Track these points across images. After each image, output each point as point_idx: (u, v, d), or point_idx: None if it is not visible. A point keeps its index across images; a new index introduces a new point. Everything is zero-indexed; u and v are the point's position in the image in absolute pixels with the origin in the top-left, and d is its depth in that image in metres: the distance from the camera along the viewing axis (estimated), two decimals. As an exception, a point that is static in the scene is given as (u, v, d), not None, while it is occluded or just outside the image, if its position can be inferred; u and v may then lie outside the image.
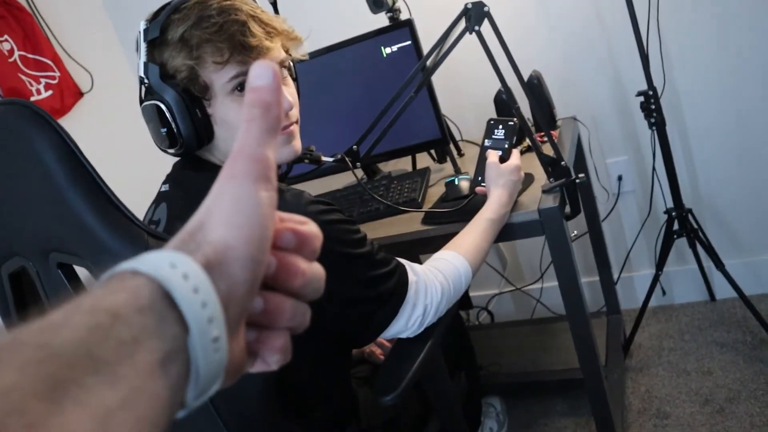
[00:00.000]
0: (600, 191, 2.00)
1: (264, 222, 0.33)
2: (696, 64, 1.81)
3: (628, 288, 2.14)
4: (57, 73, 2.09)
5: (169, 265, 0.30)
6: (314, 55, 1.64)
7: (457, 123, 1.90)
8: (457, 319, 1.48)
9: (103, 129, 2.19)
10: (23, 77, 2.00)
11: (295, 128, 0.99)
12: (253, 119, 0.35)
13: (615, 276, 2.02)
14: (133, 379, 0.27)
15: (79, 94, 2.16)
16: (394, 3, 1.58)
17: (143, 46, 0.90)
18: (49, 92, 2.06)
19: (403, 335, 1.03)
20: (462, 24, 1.22)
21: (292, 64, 1.04)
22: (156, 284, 0.29)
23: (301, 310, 0.36)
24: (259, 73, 0.35)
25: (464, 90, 1.99)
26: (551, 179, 1.29)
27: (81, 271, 0.81)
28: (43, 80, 2.06)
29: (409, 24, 1.54)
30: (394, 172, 1.75)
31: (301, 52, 1.03)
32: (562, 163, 1.27)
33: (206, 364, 0.30)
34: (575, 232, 1.34)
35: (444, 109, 1.70)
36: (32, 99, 2.00)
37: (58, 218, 0.76)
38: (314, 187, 1.83)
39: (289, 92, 0.97)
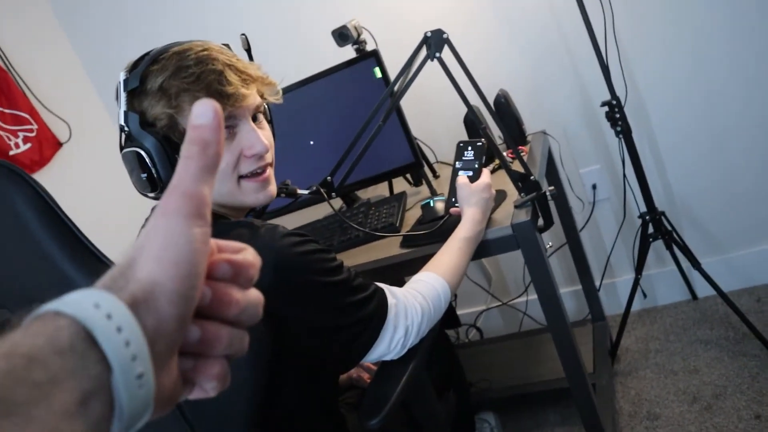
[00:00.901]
0: (575, 201, 2.05)
1: (194, 258, 0.34)
2: (656, 69, 1.87)
3: (612, 294, 2.18)
4: (34, 126, 2.12)
5: (93, 305, 0.31)
6: (287, 90, 1.69)
7: (431, 146, 1.95)
8: (442, 339, 1.51)
9: (84, 177, 2.21)
10: (1, 133, 2.02)
11: (270, 172, 1.03)
12: (190, 156, 0.36)
13: (597, 283, 2.06)
14: (47, 421, 0.27)
15: (58, 145, 2.18)
16: (359, 35, 1.63)
17: (123, 95, 0.93)
18: (28, 145, 2.08)
19: (387, 358, 1.05)
20: (424, 51, 1.27)
21: (267, 107, 1.08)
22: (78, 325, 0.30)
23: (238, 337, 0.37)
24: (201, 112, 0.36)
25: (435, 113, 2.04)
26: (522, 194, 1.33)
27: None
28: (21, 134, 2.08)
29: (374, 54, 1.59)
30: (372, 199, 1.79)
31: (276, 96, 1.07)
32: (531, 177, 1.31)
33: (130, 401, 0.31)
34: (551, 244, 1.38)
35: (417, 133, 1.75)
36: (11, 153, 2.02)
37: (38, 269, 0.78)
38: (294, 220, 1.86)
39: (265, 135, 1.01)
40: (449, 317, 2.19)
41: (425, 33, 1.24)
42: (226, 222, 0.96)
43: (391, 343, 1.02)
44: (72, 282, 0.76)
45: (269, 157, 1.01)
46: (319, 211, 1.86)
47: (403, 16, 1.94)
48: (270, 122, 1.08)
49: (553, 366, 1.82)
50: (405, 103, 1.65)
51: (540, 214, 1.34)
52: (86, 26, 2.26)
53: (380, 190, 1.92)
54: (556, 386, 1.75)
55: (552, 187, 1.32)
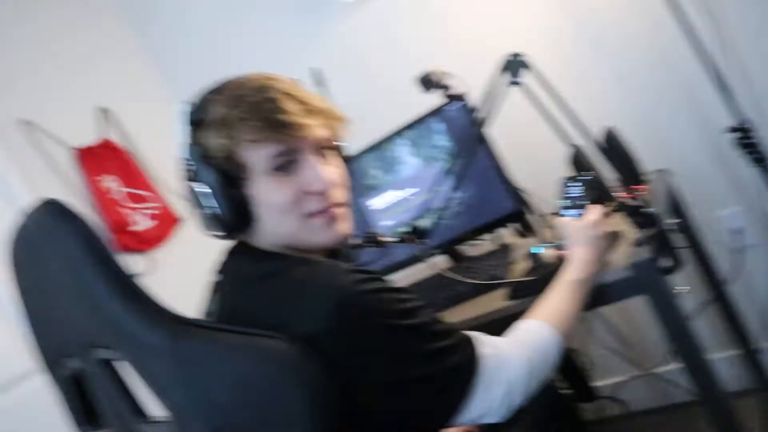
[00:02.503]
0: (717, 249, 1.77)
1: None
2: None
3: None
4: (156, 204, 2.23)
5: None
6: (378, 145, 1.64)
7: (541, 194, 1.79)
8: (560, 400, 1.30)
9: (202, 250, 2.26)
10: (126, 211, 2.14)
11: (340, 211, 0.94)
12: None
13: (761, 346, 1.73)
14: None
15: (177, 221, 2.27)
16: (444, 81, 1.55)
17: (184, 128, 0.91)
18: (150, 221, 2.19)
19: (486, 420, 0.89)
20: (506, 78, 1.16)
21: (340, 145, 1.01)
22: None
23: None
24: None
25: (540, 158, 1.90)
26: (639, 231, 1.15)
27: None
28: (143, 211, 2.19)
29: (462, 97, 1.50)
30: (477, 255, 1.65)
31: (346, 132, 1.00)
32: (647, 209, 1.13)
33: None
34: (687, 287, 1.16)
35: (524, 181, 1.63)
36: (134, 228, 2.13)
37: (93, 314, 0.74)
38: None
39: (333, 172, 0.93)
40: (583, 390, 1.95)
41: (506, 57, 1.14)
42: (285, 260, 0.88)
43: (490, 401, 0.86)
44: (121, 324, 0.71)
45: (338, 195, 0.93)
46: (425, 271, 1.75)
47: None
48: (347, 161, 1.01)
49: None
50: (507, 150, 1.55)
51: (665, 252, 1.14)
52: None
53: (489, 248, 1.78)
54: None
55: (674, 219, 1.13)
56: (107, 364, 0.78)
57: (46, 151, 2.00)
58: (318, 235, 0.92)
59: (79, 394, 0.87)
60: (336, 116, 0.95)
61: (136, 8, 2.38)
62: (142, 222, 2.17)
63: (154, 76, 2.45)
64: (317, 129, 0.90)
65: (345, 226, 0.94)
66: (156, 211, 2.22)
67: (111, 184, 2.14)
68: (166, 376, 0.71)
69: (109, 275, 0.71)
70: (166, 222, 2.24)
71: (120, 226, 2.09)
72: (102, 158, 2.14)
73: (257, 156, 0.87)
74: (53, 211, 0.74)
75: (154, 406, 0.79)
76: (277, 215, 0.89)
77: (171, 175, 2.25)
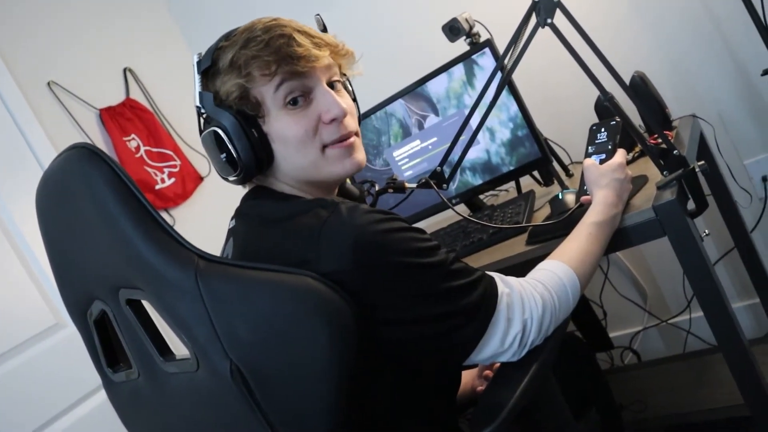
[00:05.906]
0: (742, 196, 1.75)
1: None
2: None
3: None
4: (178, 162, 2.25)
5: None
6: (397, 96, 1.63)
7: (565, 146, 1.78)
8: (579, 346, 1.31)
9: (222, 207, 2.29)
10: (148, 169, 2.17)
11: (356, 140, 0.95)
12: None
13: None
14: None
15: (199, 179, 2.30)
16: (471, 28, 1.53)
17: (197, 77, 0.91)
18: (172, 180, 2.21)
19: (502, 359, 0.90)
20: (534, 21, 1.14)
21: (349, 83, 1.02)
22: None
23: None
24: None
25: (566, 111, 1.88)
26: (665, 173, 1.13)
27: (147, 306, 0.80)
28: (166, 170, 2.22)
29: (488, 44, 1.48)
30: (498, 204, 1.65)
31: (357, 69, 1.01)
32: (675, 152, 1.11)
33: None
34: (706, 231, 1.15)
35: (549, 134, 1.61)
36: (157, 187, 2.16)
37: (119, 253, 0.75)
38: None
39: (344, 101, 0.93)
40: (600, 339, 1.96)
41: (533, -1, 1.12)
42: (304, 200, 0.89)
43: (505, 339, 0.87)
44: (146, 262, 0.72)
45: (351, 124, 0.93)
46: (444, 222, 1.76)
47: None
48: (354, 100, 1.01)
49: (726, 391, 1.53)
50: (532, 103, 1.53)
51: (690, 195, 1.13)
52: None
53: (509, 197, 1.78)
54: (733, 414, 1.47)
55: (702, 162, 1.11)
56: (134, 304, 0.80)
57: (73, 112, 2.03)
58: (336, 166, 0.92)
59: (104, 337, 0.89)
60: (344, 51, 0.96)
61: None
62: (165, 180, 2.20)
63: (175, 35, 2.45)
64: (327, 60, 0.91)
65: (360, 155, 0.95)
66: (174, 169, 2.24)
67: (136, 143, 2.16)
68: (189, 313, 0.72)
69: (136, 213, 0.72)
70: (189, 180, 2.26)
71: (146, 186, 2.11)
72: (126, 117, 2.16)
73: (271, 91, 0.88)
74: (81, 154, 0.75)
75: (173, 346, 0.82)
76: (295, 149, 0.90)
77: (192, 133, 2.29)
